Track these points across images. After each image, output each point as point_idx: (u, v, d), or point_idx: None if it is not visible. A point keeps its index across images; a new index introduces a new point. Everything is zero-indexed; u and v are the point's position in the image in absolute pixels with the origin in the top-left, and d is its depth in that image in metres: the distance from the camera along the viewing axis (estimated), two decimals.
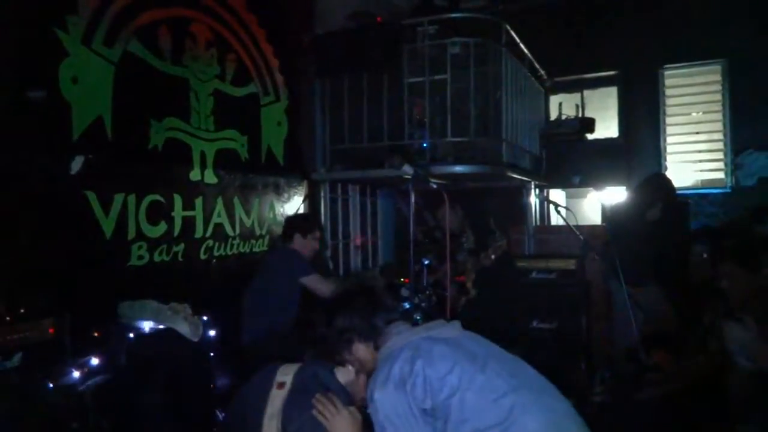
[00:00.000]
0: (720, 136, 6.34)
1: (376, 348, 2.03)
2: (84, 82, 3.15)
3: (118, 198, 3.34)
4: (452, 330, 2.00)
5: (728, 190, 6.24)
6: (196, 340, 3.16)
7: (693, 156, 6.50)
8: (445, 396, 1.75)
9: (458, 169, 4.72)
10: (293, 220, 4.09)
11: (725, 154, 6.31)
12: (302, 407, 2.02)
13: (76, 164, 3.09)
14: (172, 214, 3.75)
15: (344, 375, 2.20)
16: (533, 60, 6.00)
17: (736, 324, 2.64)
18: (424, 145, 4.99)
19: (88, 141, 3.16)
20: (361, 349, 2.06)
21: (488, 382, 1.77)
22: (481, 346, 1.94)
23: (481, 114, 4.90)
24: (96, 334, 2.87)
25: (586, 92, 6.75)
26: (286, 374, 2.13)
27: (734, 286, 2.77)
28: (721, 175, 6.35)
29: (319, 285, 3.67)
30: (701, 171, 6.49)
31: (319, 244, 4.04)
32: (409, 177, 2.80)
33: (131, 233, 3.44)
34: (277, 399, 2.04)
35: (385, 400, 1.79)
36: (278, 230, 4.81)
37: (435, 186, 2.78)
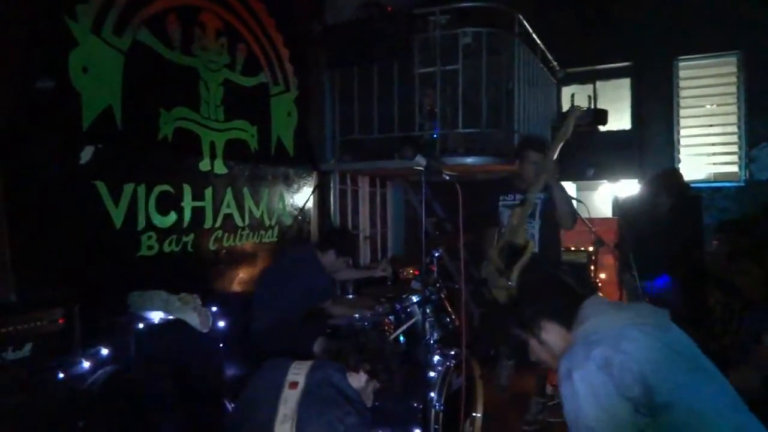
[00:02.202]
0: (734, 129, 6.27)
1: (568, 330, 1.85)
2: (94, 71, 3.13)
3: (128, 188, 3.33)
4: (661, 318, 1.77)
5: (742, 184, 6.17)
6: (205, 331, 3.15)
7: (706, 149, 6.42)
8: (659, 396, 1.56)
9: (469, 160, 4.68)
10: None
11: (739, 148, 6.24)
12: (319, 412, 2.00)
13: (86, 154, 3.08)
14: (182, 204, 3.74)
15: (355, 380, 2.19)
16: (545, 50, 5.92)
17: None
18: (435, 136, 4.95)
19: (98, 131, 3.14)
20: (554, 330, 1.88)
21: (713, 396, 1.59)
22: (690, 345, 1.73)
23: (493, 105, 4.85)
24: (105, 325, 2.86)
25: (598, 83, 6.68)
26: (298, 373, 2.11)
27: (750, 282, 2.73)
28: (734, 168, 6.28)
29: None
30: (714, 164, 6.42)
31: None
32: (421, 168, 2.76)
33: (141, 223, 3.43)
34: (290, 400, 2.03)
35: (585, 380, 1.62)
36: (287, 222, 4.81)
37: (448, 178, 2.73)
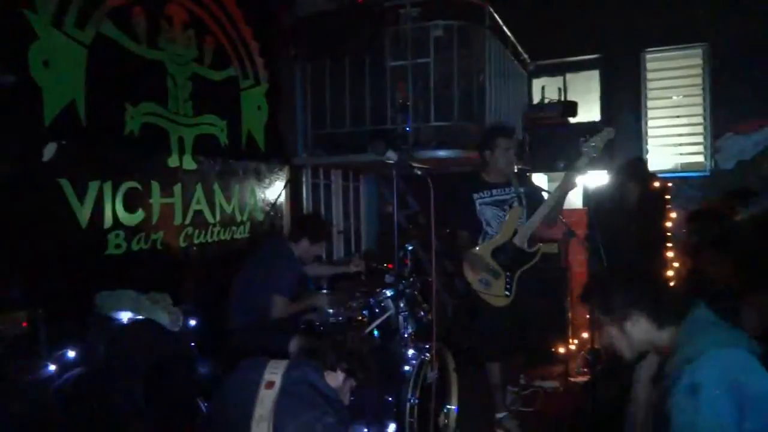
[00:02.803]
0: (700, 119, 6.39)
1: (659, 327, 1.83)
2: (55, 65, 3.03)
3: (93, 185, 3.24)
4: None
5: (707, 174, 6.31)
6: (176, 330, 3.10)
7: (673, 140, 6.54)
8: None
9: (441, 153, 4.68)
10: (307, 223, 3.97)
11: (705, 138, 6.37)
12: (296, 412, 1.98)
13: (49, 151, 2.99)
14: (150, 201, 3.66)
15: (333, 379, 2.18)
16: (516, 43, 5.95)
17: None
18: (407, 129, 4.94)
19: (61, 127, 3.05)
20: (641, 324, 1.84)
21: None
22: None
23: (465, 97, 4.85)
24: (72, 327, 2.80)
25: (568, 76, 6.73)
26: (275, 373, 2.09)
27: (719, 272, 2.78)
28: (700, 158, 6.41)
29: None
30: (681, 154, 6.54)
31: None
32: (392, 162, 2.75)
33: (108, 222, 3.35)
34: (266, 400, 2.00)
35: (712, 403, 1.57)
36: (259, 217, 4.76)
37: (420, 173, 2.73)
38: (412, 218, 6.10)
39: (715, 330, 1.75)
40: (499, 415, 3.78)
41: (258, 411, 2.01)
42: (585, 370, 4.87)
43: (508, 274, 3.59)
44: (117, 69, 3.42)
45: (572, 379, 4.56)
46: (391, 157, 2.65)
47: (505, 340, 3.67)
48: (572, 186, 3.54)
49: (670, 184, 5.45)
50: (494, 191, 3.70)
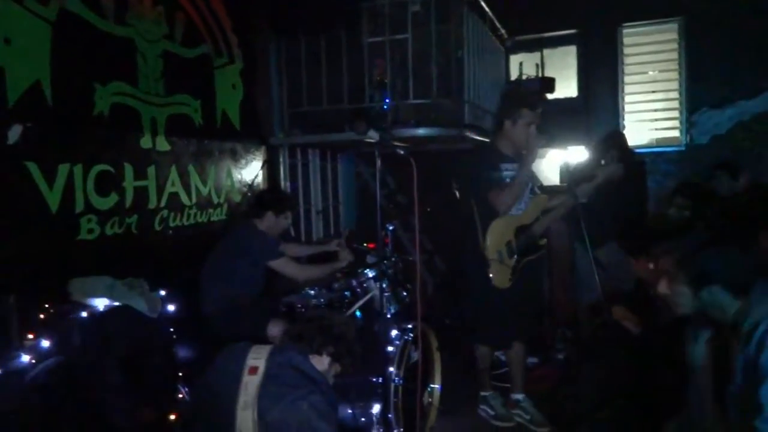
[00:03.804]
0: (675, 95, 6.41)
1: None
2: (18, 43, 2.89)
3: (63, 169, 3.13)
4: None
5: (683, 149, 6.35)
6: (154, 316, 3.03)
7: (649, 115, 6.57)
8: None
9: (420, 131, 4.62)
10: (266, 196, 3.91)
11: (680, 113, 6.40)
12: (281, 394, 1.94)
13: (14, 133, 2.86)
14: (123, 184, 3.55)
15: (318, 363, 2.14)
16: (494, 18, 5.88)
17: None
18: (385, 107, 4.87)
19: (26, 108, 2.92)
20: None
21: None
22: None
23: (443, 74, 4.79)
24: (46, 315, 2.71)
25: (546, 51, 6.69)
26: (258, 358, 2.04)
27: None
28: (676, 133, 6.45)
29: (289, 269, 3.56)
30: (657, 129, 6.57)
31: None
32: (373, 141, 2.69)
33: (79, 206, 3.24)
34: (250, 386, 1.95)
35: None
36: (236, 198, 4.67)
37: (402, 152, 2.68)
38: (392, 198, 6.06)
39: None
40: (484, 393, 3.80)
41: (242, 397, 1.97)
42: (563, 346, 4.93)
43: (517, 258, 3.48)
44: (84, 47, 3.28)
45: (552, 355, 4.60)
46: (373, 136, 2.59)
47: (512, 326, 3.61)
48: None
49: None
50: (513, 165, 3.49)
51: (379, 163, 2.65)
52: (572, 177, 4.29)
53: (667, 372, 3.03)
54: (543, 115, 3.54)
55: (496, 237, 3.44)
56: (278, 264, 3.53)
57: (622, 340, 3.61)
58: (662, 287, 1.99)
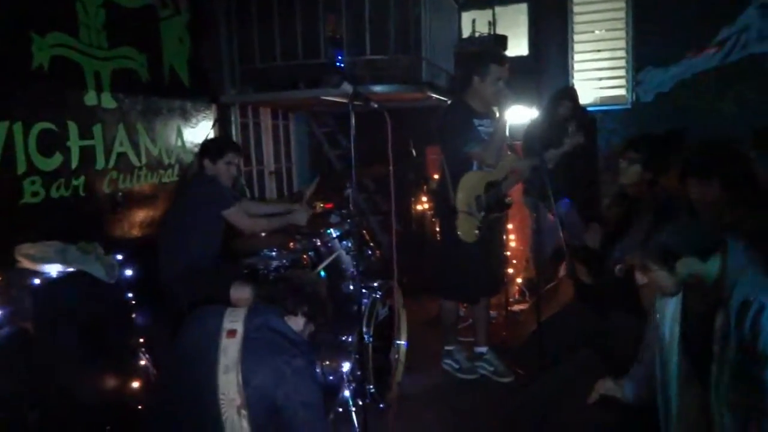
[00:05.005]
0: (622, 53, 6.54)
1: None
2: None
3: (2, 127, 2.90)
4: None
5: (628, 107, 6.51)
6: (112, 281, 2.89)
7: (597, 74, 6.68)
8: None
9: (378, 88, 4.52)
10: (202, 145, 3.78)
11: (626, 72, 6.54)
12: (264, 358, 1.89)
13: None
14: (68, 143, 3.34)
15: (294, 324, 2.10)
16: None
17: None
18: (339, 64, 4.72)
19: None
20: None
21: None
22: None
23: (400, 30, 4.67)
24: None
25: (498, 9, 6.64)
26: (235, 321, 1.98)
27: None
28: (622, 92, 6.59)
29: (242, 219, 3.43)
30: (603, 88, 6.70)
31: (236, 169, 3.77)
32: (343, 99, 2.59)
33: (21, 167, 3.03)
34: (230, 349, 1.90)
35: None
36: (188, 159, 4.47)
37: (375, 106, 2.59)
38: (345, 157, 5.97)
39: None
40: (448, 347, 3.86)
41: (222, 361, 1.91)
42: (521, 298, 5.06)
43: (483, 214, 3.51)
44: None
45: (511, 309, 4.71)
46: (347, 89, 2.49)
47: (480, 282, 3.65)
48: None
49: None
50: (484, 122, 3.52)
51: (353, 119, 2.54)
52: (540, 141, 4.31)
53: (622, 318, 3.16)
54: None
55: (467, 190, 3.46)
56: (231, 214, 3.38)
57: (579, 291, 3.75)
58: (639, 278, 2.02)
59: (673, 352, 2.11)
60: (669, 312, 2.13)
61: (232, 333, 1.94)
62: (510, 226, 5.06)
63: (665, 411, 2.12)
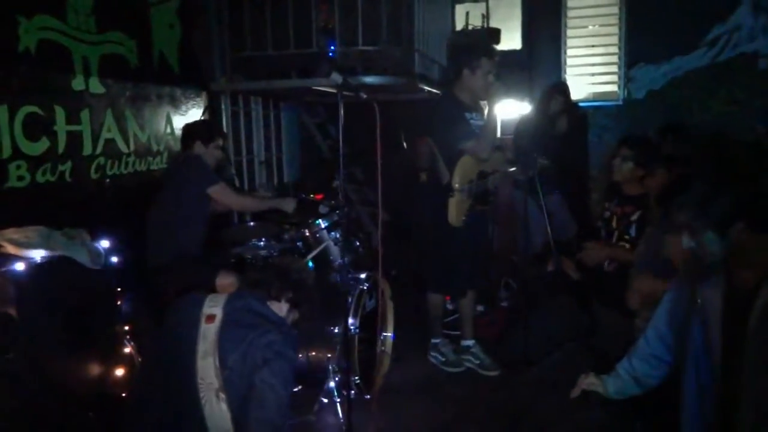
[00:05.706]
0: (615, 49, 6.54)
1: None
2: None
3: None
4: None
5: (620, 103, 6.53)
6: (98, 268, 2.87)
7: (589, 69, 6.68)
8: None
9: (369, 80, 4.50)
10: (193, 127, 3.78)
11: (619, 68, 6.54)
12: (239, 338, 1.88)
13: None
14: (55, 128, 3.30)
15: (277, 309, 2.09)
16: None
17: None
18: (330, 54, 4.68)
19: None
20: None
21: None
22: None
23: (393, 21, 4.65)
24: None
25: (491, 2, 6.63)
26: (215, 306, 1.97)
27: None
28: (614, 87, 6.60)
29: (227, 196, 3.45)
30: (596, 84, 6.71)
31: (224, 158, 3.76)
32: (332, 89, 2.58)
33: (6, 151, 2.99)
34: (208, 334, 1.89)
35: None
36: (177, 146, 4.43)
37: (364, 96, 2.58)
38: (335, 148, 5.94)
39: None
40: (435, 340, 3.87)
41: (201, 347, 1.90)
42: (507, 294, 5.07)
43: (471, 202, 3.54)
44: None
45: (498, 303, 4.72)
46: (336, 79, 2.48)
47: (466, 275, 3.68)
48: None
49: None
50: (474, 115, 3.55)
51: (341, 109, 2.53)
52: (530, 139, 4.33)
53: (610, 314, 3.18)
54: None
55: (464, 172, 3.49)
56: (216, 190, 3.40)
57: (566, 286, 3.76)
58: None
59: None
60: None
61: (210, 318, 1.93)
62: (497, 222, 5.06)
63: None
